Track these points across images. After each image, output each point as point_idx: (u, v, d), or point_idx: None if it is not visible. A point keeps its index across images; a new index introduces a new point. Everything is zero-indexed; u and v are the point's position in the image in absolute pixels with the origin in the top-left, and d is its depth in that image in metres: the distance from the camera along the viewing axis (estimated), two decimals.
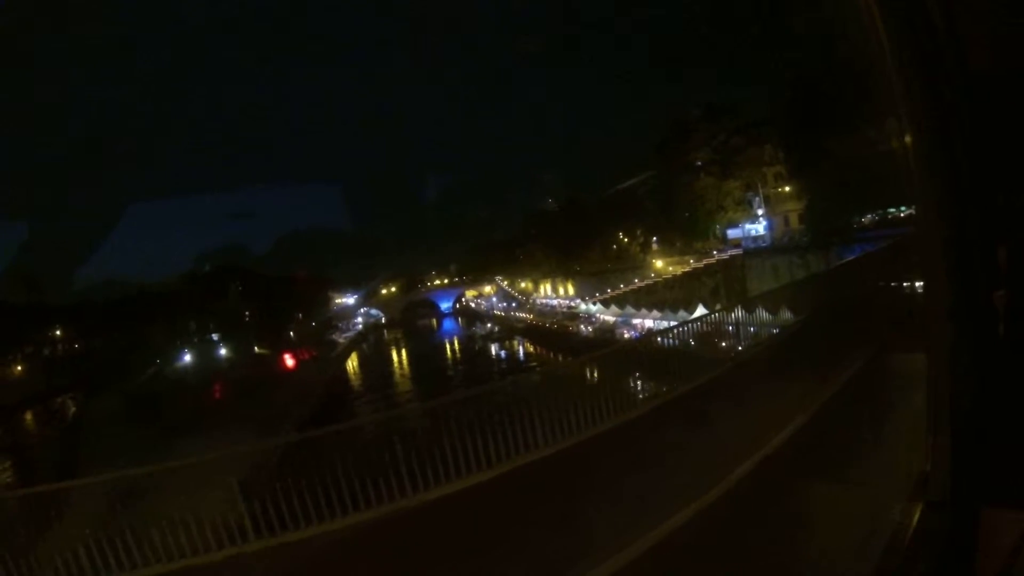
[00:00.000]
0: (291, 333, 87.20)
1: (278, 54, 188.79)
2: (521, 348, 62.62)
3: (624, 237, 67.50)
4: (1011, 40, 2.63)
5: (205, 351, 78.93)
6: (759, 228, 50.38)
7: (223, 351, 78.68)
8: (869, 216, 43.36)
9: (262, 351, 77.06)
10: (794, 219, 50.23)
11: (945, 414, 2.70)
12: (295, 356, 72.23)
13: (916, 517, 2.62)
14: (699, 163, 52.26)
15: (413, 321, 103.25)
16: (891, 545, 2.66)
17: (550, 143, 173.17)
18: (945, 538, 2.40)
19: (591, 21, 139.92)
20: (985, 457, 2.41)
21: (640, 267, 60.11)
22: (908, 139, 2.77)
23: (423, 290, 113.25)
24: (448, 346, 74.82)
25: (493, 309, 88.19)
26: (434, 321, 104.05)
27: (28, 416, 61.80)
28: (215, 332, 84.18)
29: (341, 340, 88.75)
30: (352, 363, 72.50)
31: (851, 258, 30.88)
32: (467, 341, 75.10)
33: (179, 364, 75.50)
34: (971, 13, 2.69)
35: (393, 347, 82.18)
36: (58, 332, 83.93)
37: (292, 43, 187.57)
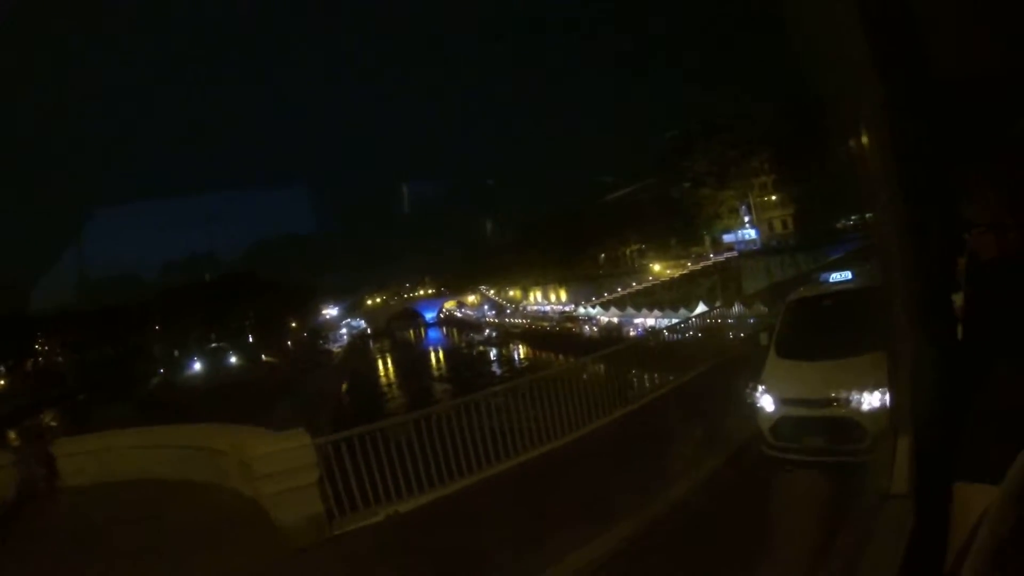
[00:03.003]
0: (288, 343, 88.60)
1: (255, 56, 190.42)
2: (520, 352, 65.09)
3: (617, 243, 71.53)
4: (972, 48, 2.75)
5: (214, 359, 79.75)
6: (751, 233, 54.98)
7: (233, 359, 79.64)
8: (853, 219, 47.59)
9: (269, 359, 78.37)
10: (778, 224, 56.27)
11: (907, 411, 2.81)
12: (300, 364, 73.48)
13: (881, 509, 2.68)
14: (699, 174, 56.49)
15: (398, 331, 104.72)
16: (859, 537, 2.74)
17: (536, 152, 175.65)
18: (911, 529, 2.46)
19: (587, 30, 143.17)
20: (946, 452, 2.49)
21: (636, 271, 64.20)
22: (871, 146, 2.90)
23: (407, 300, 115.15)
24: (442, 353, 76.35)
25: (485, 317, 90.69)
26: (420, 331, 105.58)
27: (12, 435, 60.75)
28: (218, 340, 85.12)
29: (335, 349, 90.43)
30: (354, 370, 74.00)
31: (836, 256, 34.91)
32: (464, 347, 77.21)
33: (188, 372, 76.91)
34: (932, 21, 2.82)
35: (387, 355, 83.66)
36: (37, 345, 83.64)
37: (271, 46, 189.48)
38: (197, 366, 79.49)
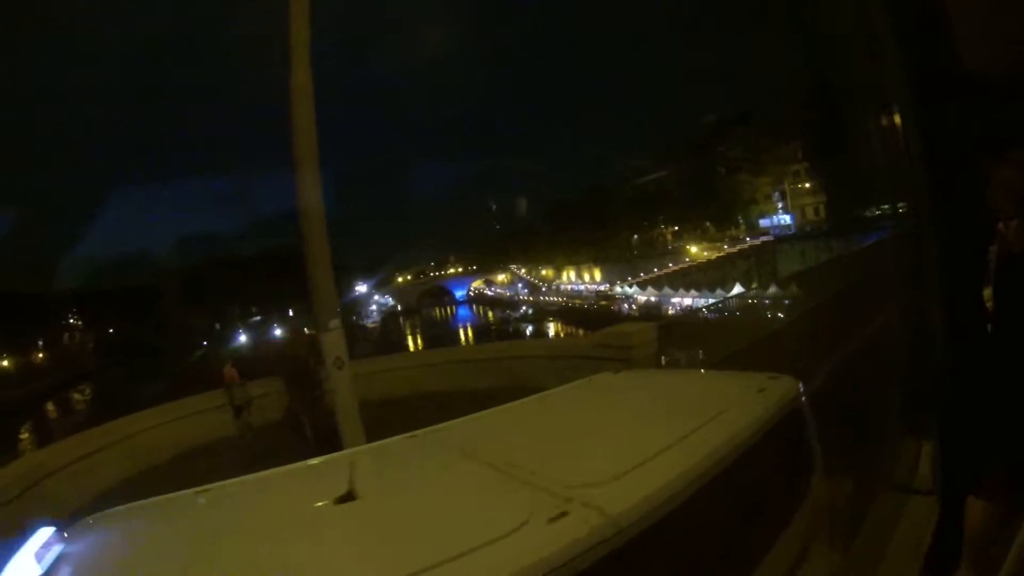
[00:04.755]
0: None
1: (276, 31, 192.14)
2: (556, 328, 68.02)
3: (651, 225, 74.80)
4: (1005, 42, 2.75)
5: (258, 332, 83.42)
6: (786, 218, 58.24)
7: (277, 332, 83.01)
8: (885, 207, 50.35)
9: (311, 331, 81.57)
10: (810, 211, 59.05)
11: (933, 410, 2.81)
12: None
13: (905, 506, 2.64)
14: (735, 160, 59.49)
15: (427, 308, 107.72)
16: (881, 530, 2.66)
17: (568, 132, 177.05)
18: (934, 525, 2.39)
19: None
20: (969, 451, 2.44)
21: (672, 253, 67.46)
22: (902, 135, 2.98)
23: (436, 279, 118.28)
24: (474, 330, 79.44)
25: (518, 295, 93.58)
26: (449, 308, 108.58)
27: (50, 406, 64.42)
28: (260, 314, 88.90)
29: (370, 324, 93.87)
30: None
31: (868, 243, 37.54)
32: (499, 324, 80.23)
33: (232, 345, 79.90)
34: (967, 15, 2.83)
35: (420, 332, 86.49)
36: (72, 320, 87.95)
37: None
38: (242, 338, 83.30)
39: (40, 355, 77.95)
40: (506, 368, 11.54)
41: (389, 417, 7.54)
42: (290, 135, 6.39)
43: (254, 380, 11.95)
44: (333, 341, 6.72)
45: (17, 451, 41.49)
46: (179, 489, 4.46)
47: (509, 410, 3.42)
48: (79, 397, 68.37)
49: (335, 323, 6.81)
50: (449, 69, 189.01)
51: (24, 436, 48.87)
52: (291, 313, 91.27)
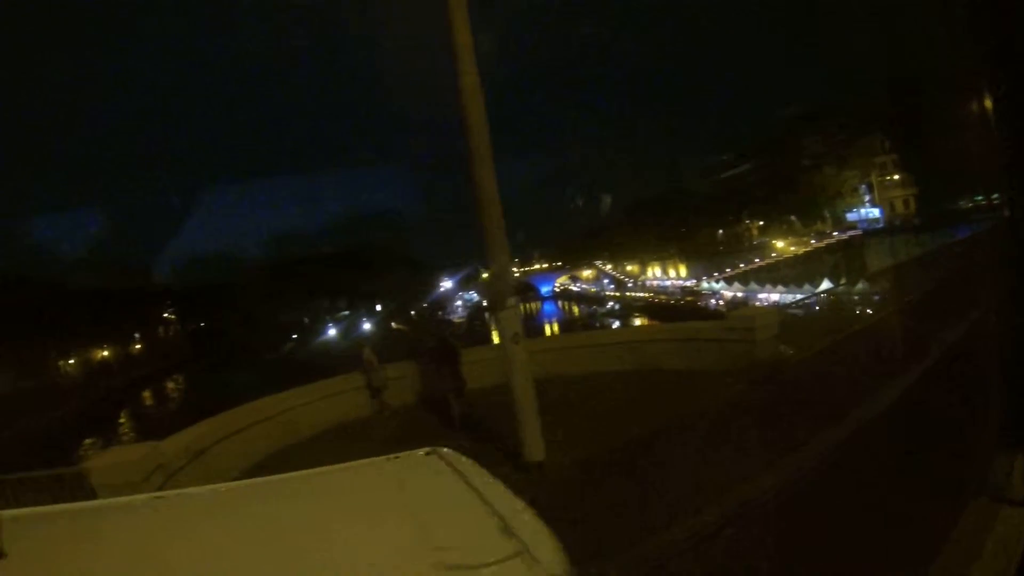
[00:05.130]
0: (412, 312, 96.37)
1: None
2: (642, 323, 69.53)
3: (735, 220, 75.64)
4: None
5: (346, 326, 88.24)
6: (874, 212, 58.54)
7: (366, 326, 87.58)
8: (979, 198, 47.83)
9: (399, 326, 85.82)
10: (899, 205, 59.14)
11: None
12: (427, 332, 79.84)
13: (998, 515, 2.54)
14: (820, 153, 60.17)
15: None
16: (972, 540, 2.58)
17: (654, 128, 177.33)
18: None
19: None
20: None
21: (758, 248, 68.44)
22: (999, 126, 2.93)
23: (523, 274, 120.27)
24: (560, 325, 79.66)
25: (604, 291, 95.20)
26: (535, 304, 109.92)
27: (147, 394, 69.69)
28: (347, 309, 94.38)
29: (456, 320, 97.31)
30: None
31: (961, 237, 37.52)
32: (586, 319, 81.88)
33: (321, 339, 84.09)
34: None
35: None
36: (166, 315, 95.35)
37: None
38: (332, 332, 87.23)
39: (137, 347, 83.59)
40: (638, 351, 12.21)
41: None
42: (463, 132, 6.89)
43: (389, 364, 12.57)
44: (510, 318, 7.14)
45: (119, 434, 47.66)
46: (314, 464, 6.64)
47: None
48: (172, 386, 74.06)
49: (511, 301, 7.25)
50: (533, 64, 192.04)
51: (123, 421, 54.28)
52: (378, 308, 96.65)
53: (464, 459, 2.38)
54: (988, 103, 3.22)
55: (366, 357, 12.03)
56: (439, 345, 11.45)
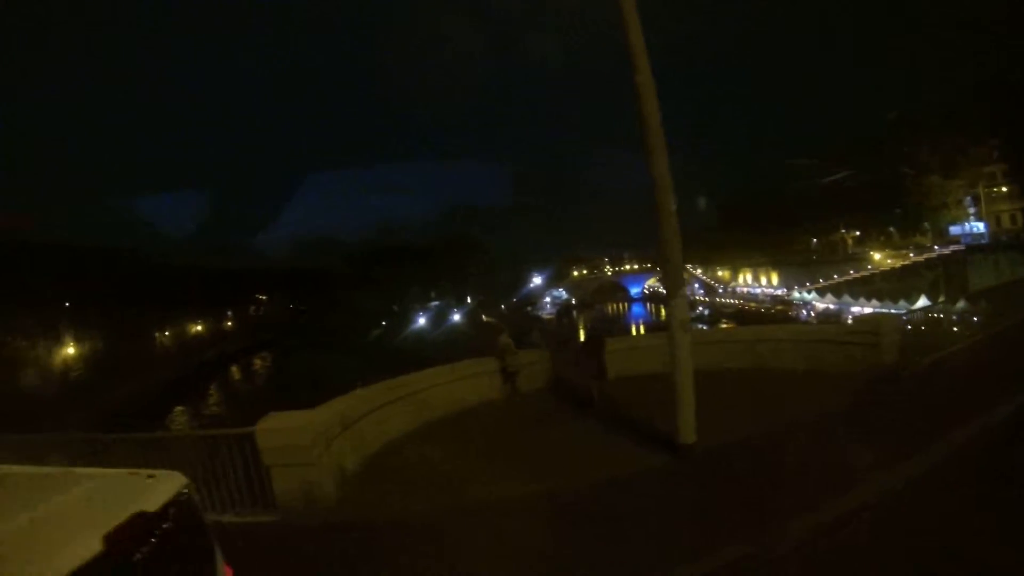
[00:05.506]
0: (502, 306, 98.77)
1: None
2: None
3: (830, 228, 73.90)
4: None
5: (436, 316, 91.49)
6: (980, 226, 56.07)
7: (456, 317, 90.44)
8: None
9: (488, 319, 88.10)
10: (1006, 219, 55.87)
11: None
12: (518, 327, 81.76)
13: None
14: (924, 161, 58.06)
15: (600, 304, 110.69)
16: None
17: (745, 129, 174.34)
18: None
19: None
20: None
21: (854, 259, 66.67)
22: None
23: (613, 274, 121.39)
24: (647, 328, 79.78)
25: (694, 295, 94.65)
26: (623, 305, 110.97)
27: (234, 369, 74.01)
28: (436, 299, 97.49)
29: (545, 316, 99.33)
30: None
31: None
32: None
33: (411, 327, 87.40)
34: None
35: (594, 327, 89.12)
36: (258, 295, 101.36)
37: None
38: (421, 321, 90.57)
39: (228, 323, 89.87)
40: (757, 351, 12.46)
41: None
42: (639, 126, 7.35)
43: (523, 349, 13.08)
44: (680, 306, 7.51)
45: (208, 404, 52.06)
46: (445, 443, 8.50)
47: None
48: (259, 362, 78.09)
49: (682, 292, 7.68)
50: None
51: (212, 392, 58.00)
52: (468, 300, 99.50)
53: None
54: None
55: (503, 342, 12.47)
56: (591, 336, 12.53)
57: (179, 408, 48.68)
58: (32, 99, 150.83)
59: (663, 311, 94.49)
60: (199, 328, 79.98)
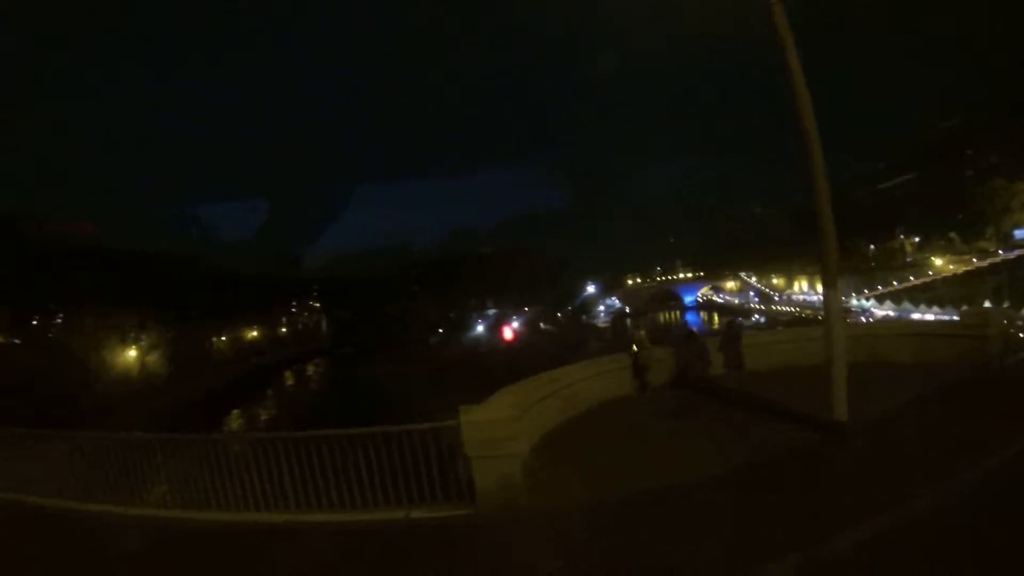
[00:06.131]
0: (559, 314, 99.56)
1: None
2: None
3: (888, 234, 72.87)
4: None
5: (495, 325, 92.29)
6: None
7: (515, 324, 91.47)
8: None
9: (547, 327, 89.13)
10: None
11: None
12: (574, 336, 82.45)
13: None
14: (990, 164, 57.36)
15: (654, 312, 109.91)
16: None
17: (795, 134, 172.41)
18: None
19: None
20: None
21: (913, 265, 65.63)
22: None
23: (667, 282, 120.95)
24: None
25: (749, 303, 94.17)
26: (676, 314, 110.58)
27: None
28: (495, 308, 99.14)
29: (601, 325, 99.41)
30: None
31: None
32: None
33: (470, 335, 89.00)
34: None
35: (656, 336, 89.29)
36: (312, 303, 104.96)
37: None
38: (479, 329, 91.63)
39: (283, 330, 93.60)
40: (869, 344, 12.61)
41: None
42: (801, 137, 8.05)
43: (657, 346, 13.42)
44: (835, 299, 8.45)
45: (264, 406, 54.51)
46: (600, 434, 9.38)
47: None
48: (312, 368, 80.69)
49: (836, 286, 8.50)
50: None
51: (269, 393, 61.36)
52: (526, 309, 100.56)
53: None
54: None
55: (638, 338, 12.88)
56: (727, 329, 13.67)
57: (236, 410, 51.48)
58: (105, 103, 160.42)
59: (716, 318, 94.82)
60: (255, 334, 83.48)
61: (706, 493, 6.57)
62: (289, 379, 74.07)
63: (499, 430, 6.87)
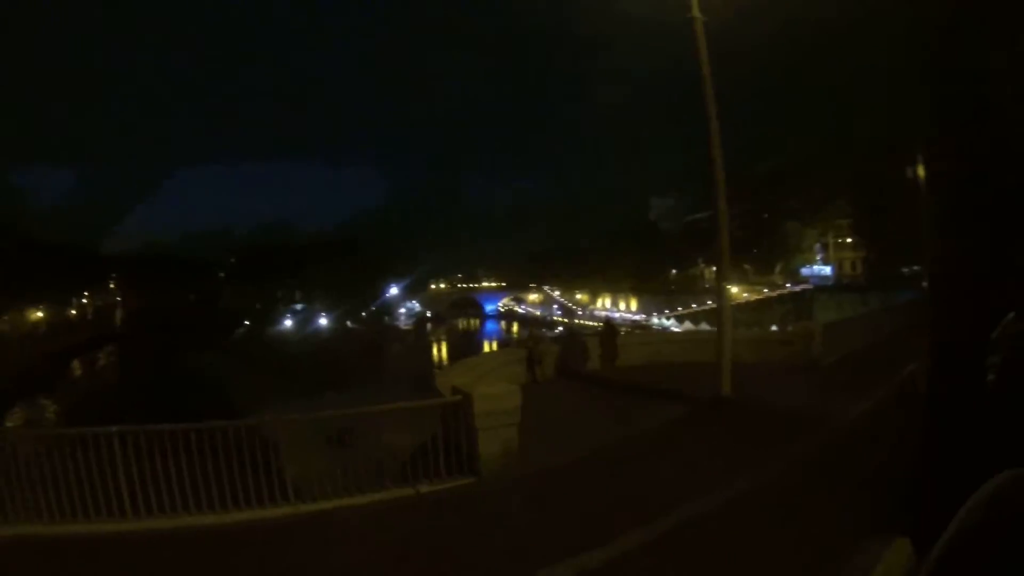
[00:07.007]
0: (363, 313, 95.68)
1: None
2: None
3: (690, 262, 78.76)
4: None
5: (302, 319, 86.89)
6: (826, 269, 62.49)
7: (323, 322, 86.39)
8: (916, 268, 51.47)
9: (355, 326, 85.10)
10: (847, 265, 63.74)
11: (933, 456, 2.80)
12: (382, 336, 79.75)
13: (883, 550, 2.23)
14: (790, 209, 63.68)
15: (454, 319, 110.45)
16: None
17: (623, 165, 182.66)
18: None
19: None
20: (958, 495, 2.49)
21: (711, 291, 70.29)
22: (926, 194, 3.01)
23: (466, 290, 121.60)
24: (499, 345, 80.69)
25: (552, 315, 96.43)
26: (477, 321, 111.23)
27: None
28: (303, 302, 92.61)
29: (404, 327, 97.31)
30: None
31: (901, 302, 40.53)
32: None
33: (276, 329, 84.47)
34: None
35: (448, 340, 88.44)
36: (111, 284, 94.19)
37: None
38: (288, 323, 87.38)
39: (72, 312, 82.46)
40: (714, 348, 13.60)
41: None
42: (709, 165, 11.77)
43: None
44: (726, 307, 13.28)
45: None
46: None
47: None
48: (102, 357, 72.00)
49: (727, 296, 13.79)
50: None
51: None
52: (335, 305, 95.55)
53: None
54: (921, 172, 3.39)
55: (534, 333, 15.67)
56: (606, 327, 17.38)
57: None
58: None
59: (515, 329, 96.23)
60: (39, 315, 72.16)
61: (635, 447, 9.27)
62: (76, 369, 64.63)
63: (505, 402, 7.97)
